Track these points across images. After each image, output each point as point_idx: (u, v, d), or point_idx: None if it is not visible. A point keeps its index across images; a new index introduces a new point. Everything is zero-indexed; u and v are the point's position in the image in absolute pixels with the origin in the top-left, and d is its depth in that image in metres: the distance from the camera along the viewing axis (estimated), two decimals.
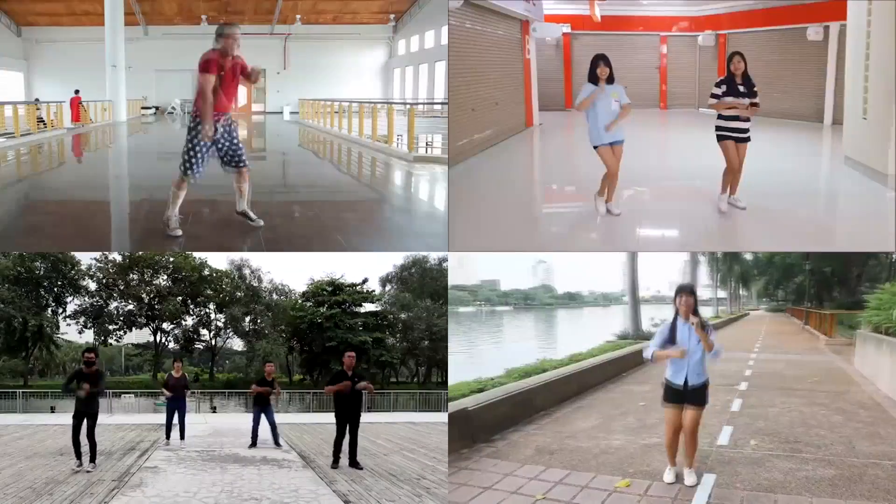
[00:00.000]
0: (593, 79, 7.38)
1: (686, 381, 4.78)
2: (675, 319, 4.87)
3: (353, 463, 6.84)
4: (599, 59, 7.40)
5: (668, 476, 4.84)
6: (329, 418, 7.06)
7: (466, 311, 76.26)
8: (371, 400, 17.06)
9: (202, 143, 6.56)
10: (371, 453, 7.84)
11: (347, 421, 6.79)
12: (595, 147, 7.60)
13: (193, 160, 6.58)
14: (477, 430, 6.13)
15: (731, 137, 7.71)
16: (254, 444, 8.57)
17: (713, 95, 7.67)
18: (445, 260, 27.88)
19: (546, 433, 6.58)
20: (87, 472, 6.48)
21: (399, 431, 10.25)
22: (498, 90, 14.22)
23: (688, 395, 4.79)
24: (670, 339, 4.82)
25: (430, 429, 10.63)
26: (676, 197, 9.08)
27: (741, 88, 7.55)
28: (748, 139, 7.82)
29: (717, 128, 7.77)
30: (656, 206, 8.80)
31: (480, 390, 7.20)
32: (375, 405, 17.23)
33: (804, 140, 14.22)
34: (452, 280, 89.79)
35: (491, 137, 13.27)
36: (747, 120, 7.70)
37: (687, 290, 4.92)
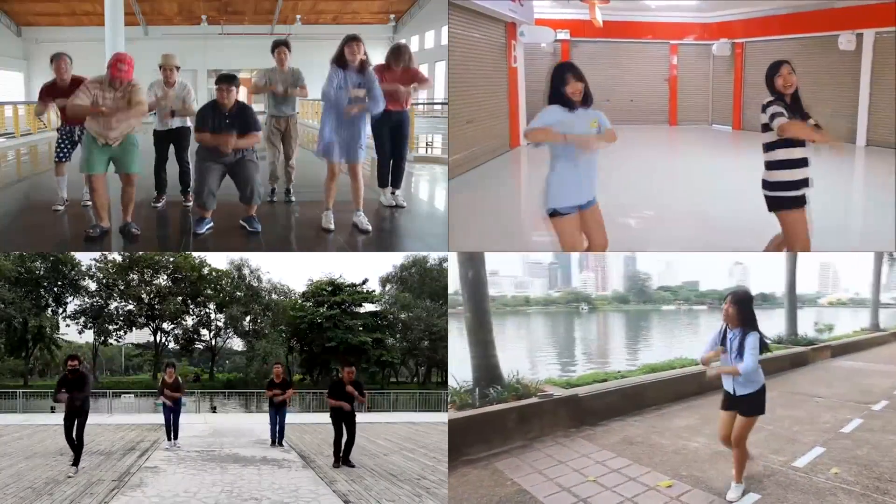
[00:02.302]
0: (560, 100, 4.96)
1: (734, 389, 4.55)
2: (725, 326, 4.56)
3: (346, 460, 6.90)
4: (567, 72, 4.97)
5: (731, 493, 4.55)
6: (328, 418, 7.09)
7: (668, 309, 79.50)
8: (371, 400, 17.05)
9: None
10: (371, 453, 7.85)
11: (342, 420, 6.86)
12: (550, 214, 5.10)
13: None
14: (585, 414, 6.75)
15: (799, 200, 5.21)
16: (273, 443, 8.57)
17: (774, 116, 5.06)
18: (445, 260, 27.88)
19: (642, 426, 6.76)
20: (70, 476, 6.35)
21: (399, 431, 10.25)
22: (470, 105, 11.83)
23: (737, 403, 4.56)
24: (722, 343, 4.57)
25: (430, 429, 10.63)
26: (685, 224, 8.59)
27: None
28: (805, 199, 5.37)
29: (773, 185, 5.22)
30: (662, 230, 8.43)
31: (604, 380, 7.82)
32: (375, 405, 17.22)
33: (836, 167, 11.78)
34: (659, 282, 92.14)
35: (460, 163, 11.16)
36: (808, 164, 5.28)
37: (733, 299, 4.47)
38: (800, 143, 5.16)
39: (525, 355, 27.10)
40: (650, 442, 6.19)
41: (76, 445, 6.64)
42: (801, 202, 5.25)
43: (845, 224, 8.65)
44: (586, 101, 5.02)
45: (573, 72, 4.99)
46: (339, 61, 6.84)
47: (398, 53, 7.90)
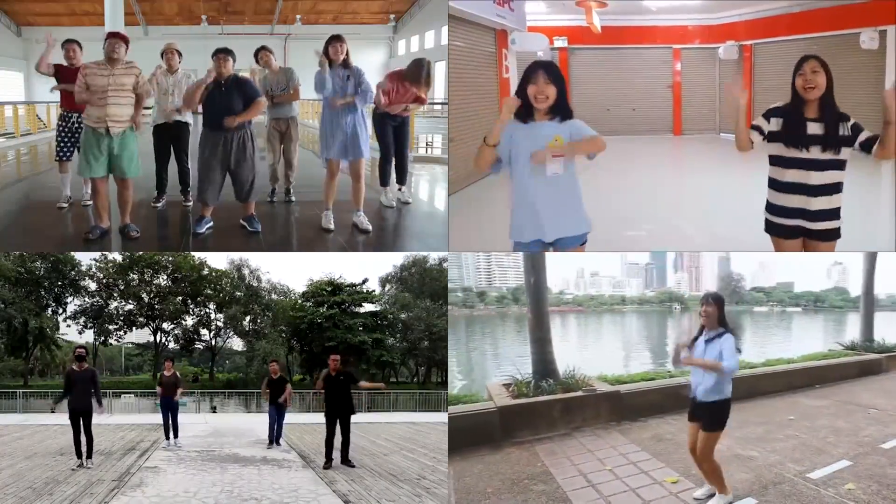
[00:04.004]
0: (524, 110, 4.06)
1: (697, 394, 4.34)
2: (700, 329, 4.38)
3: (345, 461, 6.84)
4: (538, 69, 3.99)
5: (699, 492, 4.65)
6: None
7: (760, 310, 78.16)
8: (371, 400, 17.05)
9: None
10: (371, 453, 7.85)
11: (337, 418, 6.82)
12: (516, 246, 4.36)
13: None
14: (626, 409, 7.14)
15: (792, 230, 4.52)
16: (271, 443, 8.57)
17: (753, 128, 4.47)
18: (445, 260, 27.88)
19: (677, 425, 6.78)
20: (88, 467, 6.55)
21: (399, 431, 10.25)
22: (457, 121, 10.78)
23: (700, 413, 4.35)
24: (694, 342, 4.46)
25: (430, 429, 10.63)
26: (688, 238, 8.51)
27: (813, 129, 4.31)
28: (835, 234, 4.51)
29: (767, 207, 4.60)
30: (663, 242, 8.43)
31: (652, 379, 8.13)
32: (375, 405, 17.21)
33: (862, 182, 10.94)
34: (752, 282, 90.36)
35: (456, 180, 10.39)
36: (833, 191, 4.38)
37: (709, 299, 4.29)
38: (793, 164, 4.41)
39: (619, 351, 28.75)
40: (677, 440, 6.20)
41: (87, 440, 6.71)
42: (784, 232, 4.57)
43: (872, 228, 8.15)
44: (557, 111, 4.07)
45: (547, 70, 3.99)
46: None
47: (422, 75, 7.67)
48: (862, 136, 4.31)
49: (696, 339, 4.43)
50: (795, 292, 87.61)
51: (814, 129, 4.32)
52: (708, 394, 4.29)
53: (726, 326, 4.28)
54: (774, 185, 4.53)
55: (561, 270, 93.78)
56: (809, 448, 6.04)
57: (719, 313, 4.27)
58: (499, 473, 5.36)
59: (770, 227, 4.62)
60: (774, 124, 4.42)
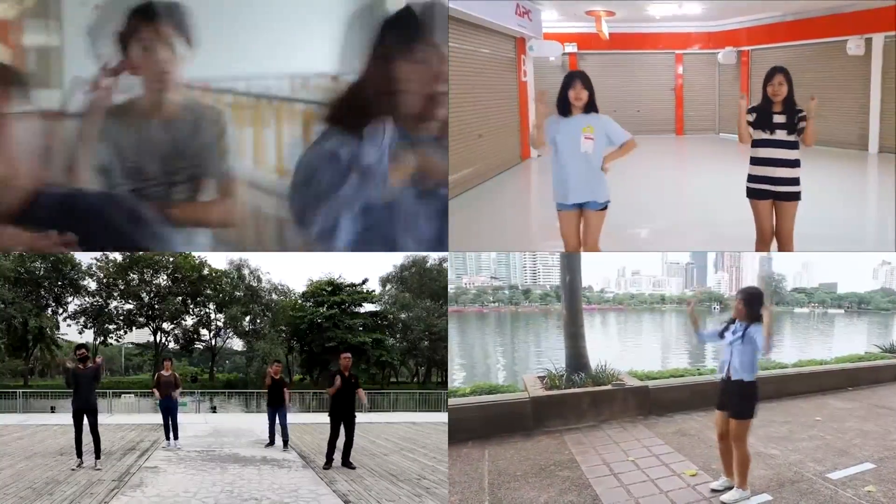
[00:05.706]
0: (564, 108, 5.40)
1: (729, 374, 4.50)
2: (731, 320, 4.68)
3: (346, 462, 6.83)
4: (575, 77, 5.42)
5: (715, 483, 4.70)
6: (328, 418, 7.08)
7: (801, 312, 77.12)
8: (371, 400, 17.05)
9: None
10: (371, 453, 7.86)
11: (341, 419, 6.82)
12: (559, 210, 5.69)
13: None
14: (653, 404, 7.36)
15: (763, 193, 5.77)
16: (271, 443, 8.63)
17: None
18: (445, 260, 27.92)
19: (702, 422, 6.85)
20: (98, 469, 6.56)
21: (399, 431, 10.27)
22: (482, 120, 11.96)
23: (727, 396, 4.52)
24: (720, 334, 4.71)
25: (430, 429, 10.65)
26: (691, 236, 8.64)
27: (777, 119, 5.64)
28: (795, 196, 5.75)
29: (747, 178, 5.86)
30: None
31: (682, 376, 8.33)
32: (375, 405, 17.22)
33: (849, 175, 11.70)
34: (794, 283, 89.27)
35: (471, 177, 11.14)
36: (793, 165, 5.70)
37: (744, 296, 4.63)
38: (763, 144, 5.73)
39: (657, 349, 29.16)
40: (701, 436, 6.24)
41: (94, 440, 6.75)
42: (758, 194, 5.83)
43: (857, 227, 8.41)
44: (589, 108, 5.42)
45: (581, 78, 5.43)
46: None
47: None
48: (800, 124, 5.62)
49: (724, 329, 4.68)
50: (839, 293, 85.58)
51: (778, 119, 5.67)
52: (740, 374, 4.48)
53: (758, 320, 4.49)
54: (752, 160, 5.84)
55: (602, 269, 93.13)
56: (833, 449, 5.92)
57: (748, 310, 4.54)
58: (528, 459, 5.59)
59: (748, 192, 5.87)
60: (752, 116, 5.77)
